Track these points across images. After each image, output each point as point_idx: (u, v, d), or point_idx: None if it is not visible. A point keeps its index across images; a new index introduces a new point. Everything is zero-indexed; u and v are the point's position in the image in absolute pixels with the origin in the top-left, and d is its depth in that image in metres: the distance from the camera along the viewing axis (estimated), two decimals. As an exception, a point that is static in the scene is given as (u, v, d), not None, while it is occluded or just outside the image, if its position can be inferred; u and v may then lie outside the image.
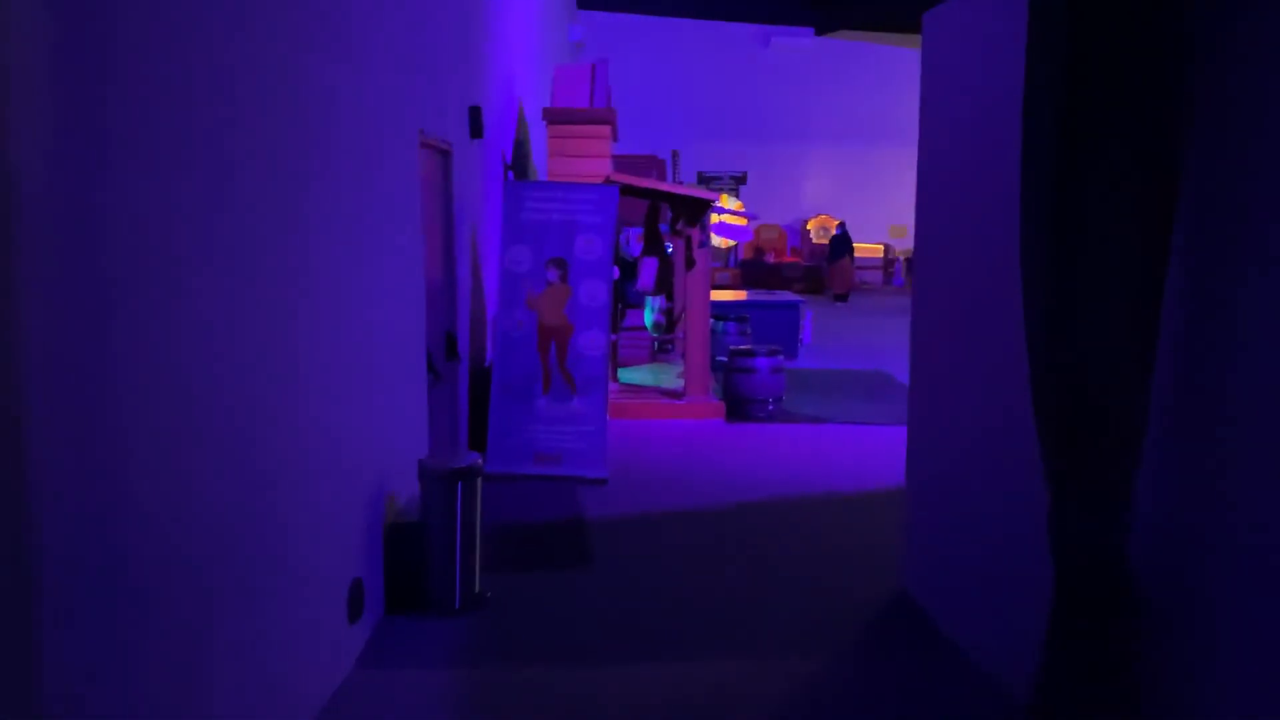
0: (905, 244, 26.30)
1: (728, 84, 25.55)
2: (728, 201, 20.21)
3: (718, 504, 6.93)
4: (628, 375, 11.03)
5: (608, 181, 8.13)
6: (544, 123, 9.35)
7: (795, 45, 26.13)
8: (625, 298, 11.35)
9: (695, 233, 9.39)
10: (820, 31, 26.31)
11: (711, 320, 10.57)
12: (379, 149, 4.77)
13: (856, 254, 24.38)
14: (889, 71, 26.74)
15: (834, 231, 15.98)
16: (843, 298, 21.02)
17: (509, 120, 10.06)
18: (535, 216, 7.64)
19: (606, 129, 9.29)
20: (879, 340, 15.97)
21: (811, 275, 23.92)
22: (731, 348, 9.77)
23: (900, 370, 12.65)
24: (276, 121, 3.39)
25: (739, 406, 9.49)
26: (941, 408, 4.89)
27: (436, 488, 4.81)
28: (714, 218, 9.18)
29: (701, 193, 8.92)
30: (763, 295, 13.72)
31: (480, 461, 4.98)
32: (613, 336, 10.10)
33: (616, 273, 10.08)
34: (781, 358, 9.61)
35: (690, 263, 9.48)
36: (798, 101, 26.14)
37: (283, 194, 3.45)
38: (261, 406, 3.29)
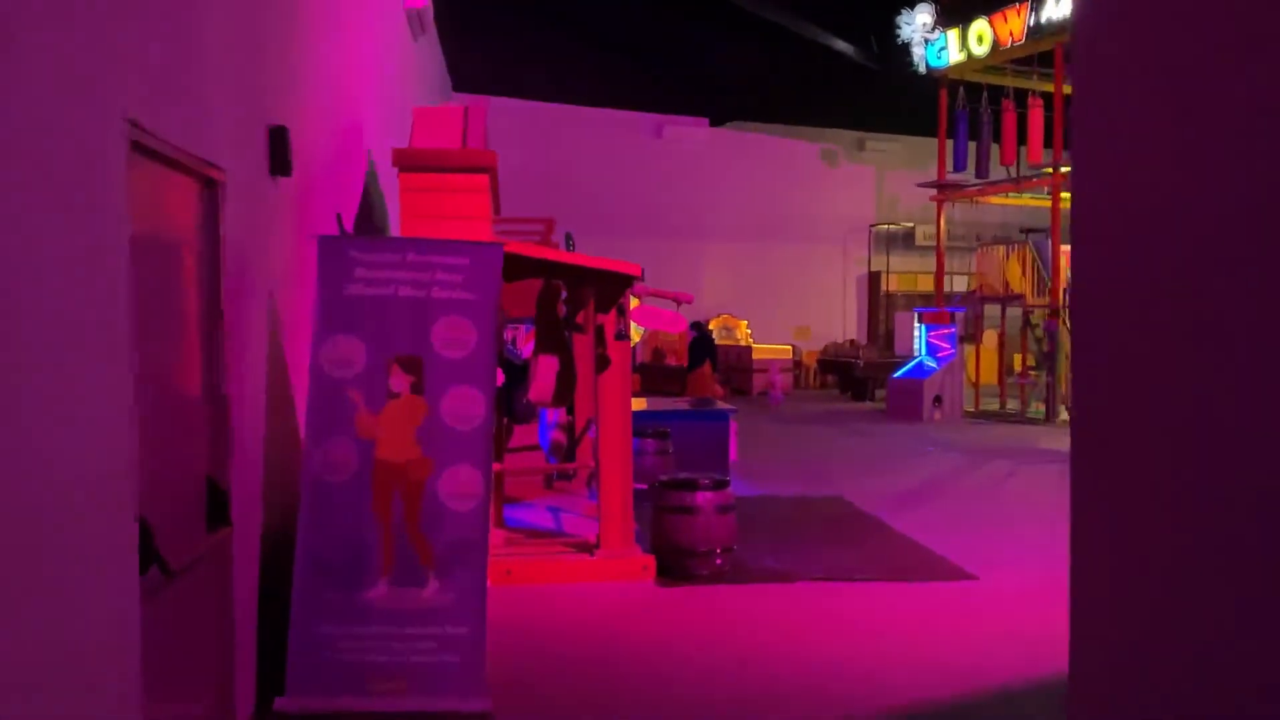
0: (812, 345, 24.37)
1: (619, 174, 23.51)
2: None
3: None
4: (518, 518, 8.19)
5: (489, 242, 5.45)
6: (395, 171, 6.66)
7: (690, 135, 24.39)
8: (513, 411, 8.57)
9: (610, 321, 6.79)
10: (716, 122, 24.70)
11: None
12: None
13: (762, 358, 22.26)
14: (788, 166, 25.24)
15: (690, 334, 13.75)
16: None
17: (351, 168, 7.36)
18: (372, 290, 4.88)
19: (484, 180, 6.66)
20: (812, 454, 13.56)
21: (718, 380, 21.58)
22: (662, 478, 7.07)
23: (857, 494, 10.20)
24: None
25: (675, 561, 6.77)
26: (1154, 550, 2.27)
27: None
28: (633, 301, 6.53)
29: (620, 265, 6.35)
30: (682, 404, 11.17)
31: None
32: (497, 467, 7.30)
33: (500, 377, 7.33)
34: (731, 490, 6.96)
35: (603, 362, 6.83)
36: (694, 195, 24.27)
37: None
38: None
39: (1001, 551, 7.81)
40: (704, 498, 6.71)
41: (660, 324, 6.79)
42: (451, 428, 4.82)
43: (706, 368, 14.17)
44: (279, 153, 5.03)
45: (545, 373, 6.96)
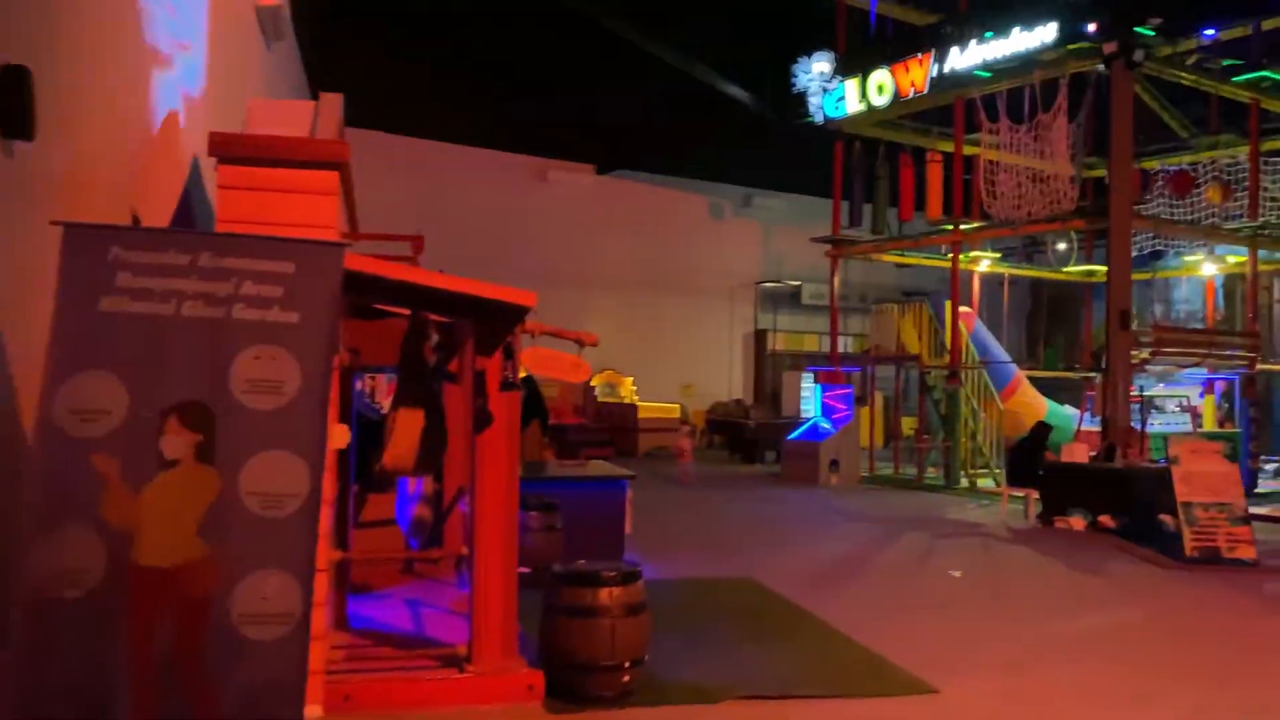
0: (698, 403, 23.24)
1: (500, 218, 22.06)
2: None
3: None
4: (365, 615, 6.51)
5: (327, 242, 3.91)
6: (214, 163, 5.04)
7: (575, 181, 23.20)
8: (370, 478, 6.93)
9: (494, 366, 5.30)
10: (603, 170, 23.61)
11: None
12: None
13: (647, 416, 20.97)
14: (676, 218, 24.33)
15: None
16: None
17: (162, 162, 5.71)
18: (141, 306, 3.29)
19: (332, 179, 5.11)
20: (711, 524, 12.25)
21: (600, 440, 20.16)
22: (555, 568, 5.55)
23: (768, 572, 8.88)
24: None
25: (572, 678, 5.24)
26: None
27: None
28: (528, 340, 5.05)
29: (509, 292, 4.88)
30: (570, 468, 9.69)
31: None
32: (340, 556, 5.65)
33: (349, 435, 5.73)
34: (642, 584, 5.49)
35: (482, 418, 5.32)
36: (579, 243, 23.02)
37: None
38: None
39: (950, 649, 6.57)
40: (609, 596, 5.23)
41: (559, 371, 5.33)
42: (256, 514, 3.24)
43: (535, 428, 12.49)
44: (14, 104, 3.41)
45: (406, 432, 5.39)
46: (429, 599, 7.03)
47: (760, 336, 25.16)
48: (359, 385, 8.37)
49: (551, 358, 5.47)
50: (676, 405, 21.91)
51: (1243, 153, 16.98)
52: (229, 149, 5.02)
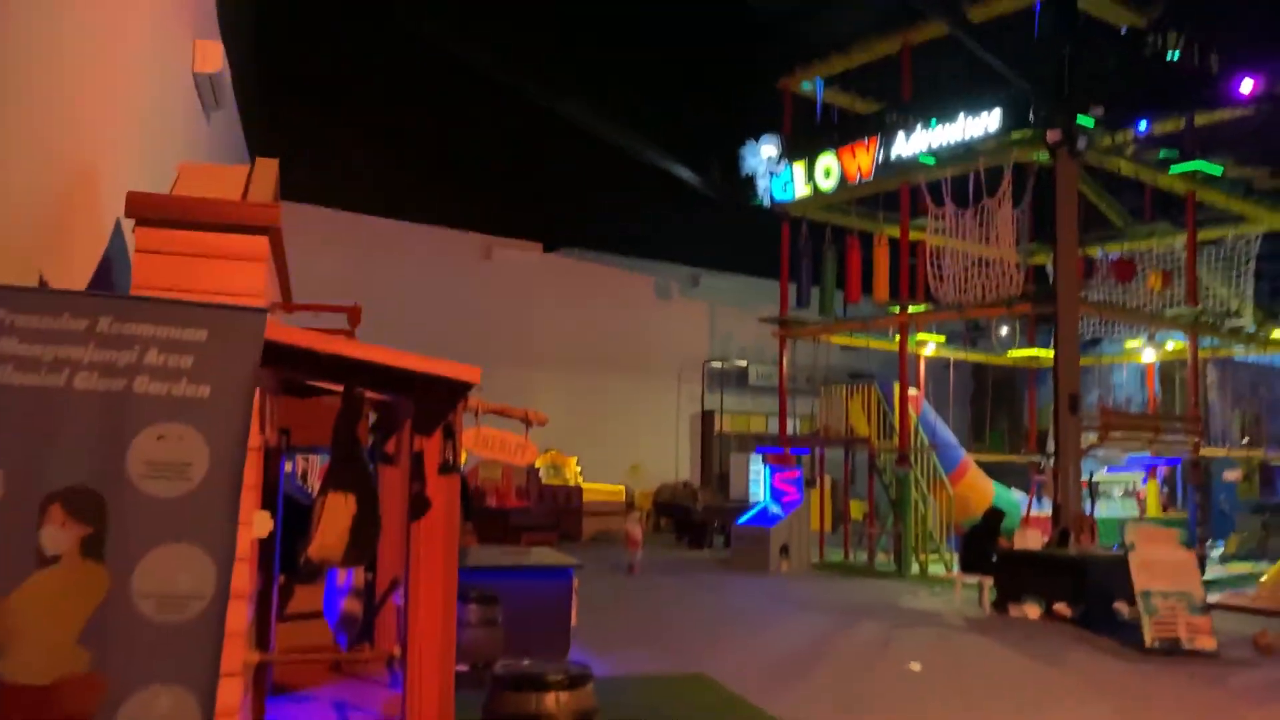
0: (644, 485, 22.77)
1: (445, 295, 21.69)
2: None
3: None
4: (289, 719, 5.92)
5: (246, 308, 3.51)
6: (132, 225, 4.65)
7: (521, 259, 22.99)
8: (297, 568, 6.42)
9: (433, 447, 4.90)
10: (549, 248, 23.47)
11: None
12: None
13: (593, 499, 20.46)
14: (623, 297, 24.20)
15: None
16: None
17: (78, 224, 5.30)
18: (25, 378, 2.86)
19: (261, 245, 4.75)
20: (660, 614, 11.77)
21: (545, 524, 19.58)
22: (496, 669, 5.08)
23: (722, 668, 8.43)
24: None
25: (512, 795, 4.73)
26: None
27: None
28: (473, 417, 4.67)
29: (452, 368, 4.51)
30: (512, 556, 9.18)
31: None
32: (263, 657, 5.12)
33: (271, 522, 5.26)
34: (591, 684, 5.04)
35: (420, 504, 4.90)
36: (525, 321, 22.71)
37: None
38: None
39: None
40: (556, 702, 4.77)
41: (504, 453, 4.95)
42: (151, 619, 2.79)
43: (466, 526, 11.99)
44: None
45: (335, 519, 4.93)
46: (358, 701, 6.46)
47: (707, 417, 24.91)
48: (289, 467, 7.88)
49: (496, 439, 5.08)
50: (622, 487, 21.44)
51: (1178, 242, 17.40)
52: (147, 210, 4.64)
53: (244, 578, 4.72)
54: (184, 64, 9.41)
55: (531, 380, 22.41)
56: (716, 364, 25.24)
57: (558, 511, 20.30)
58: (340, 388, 5.33)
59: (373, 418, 6.55)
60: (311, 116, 18.38)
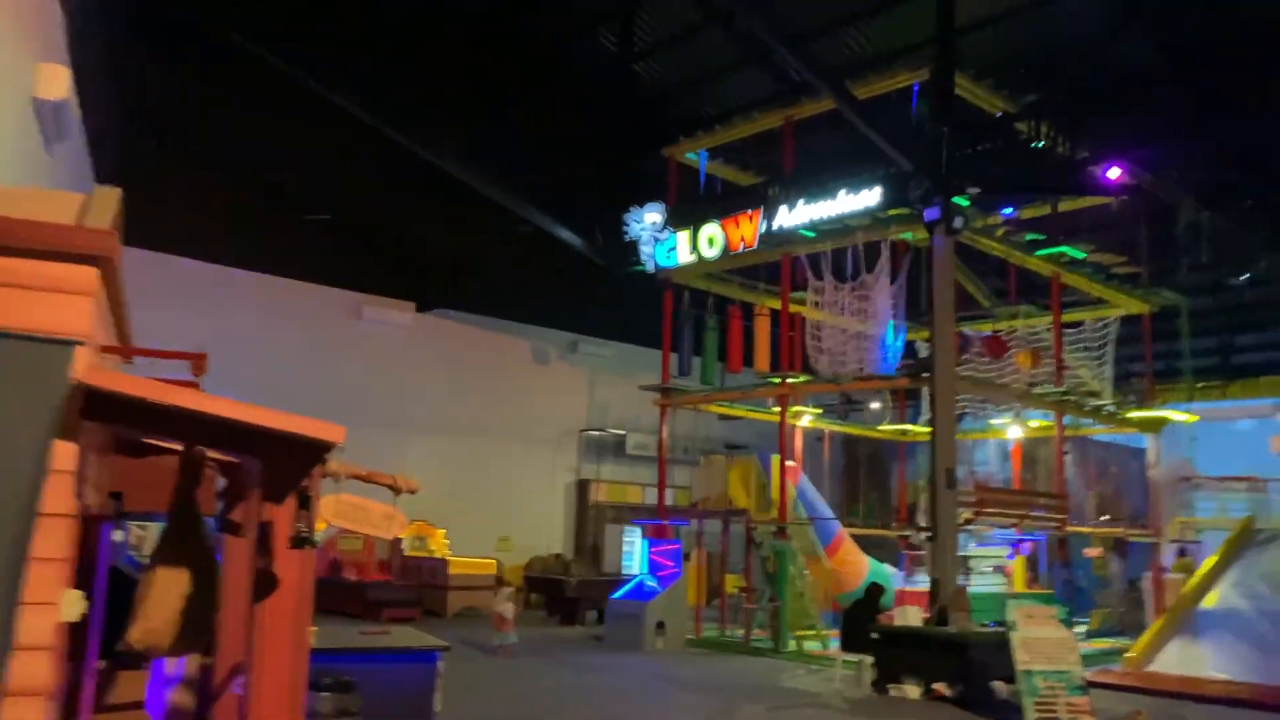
0: (515, 558, 21.89)
1: (312, 354, 20.61)
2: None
3: None
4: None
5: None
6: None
7: (393, 319, 22.13)
8: (116, 654, 5.53)
9: (284, 516, 4.24)
10: (423, 308, 22.70)
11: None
12: None
13: (460, 572, 19.47)
14: (499, 361, 23.55)
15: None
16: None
17: None
18: None
19: (90, 276, 4.06)
20: (531, 700, 11.02)
21: (408, 599, 18.55)
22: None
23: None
24: None
25: None
26: None
27: None
28: (335, 477, 4.05)
29: (310, 426, 3.89)
30: (372, 637, 8.36)
31: None
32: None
33: (84, 603, 4.45)
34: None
35: (266, 583, 4.22)
36: (396, 383, 21.76)
37: None
38: None
39: None
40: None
41: (366, 524, 4.34)
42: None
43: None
44: None
45: (164, 599, 4.20)
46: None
47: (583, 486, 24.31)
48: (121, 536, 6.98)
49: (357, 508, 4.47)
50: (492, 561, 20.53)
51: (1042, 323, 18.05)
52: (-54, 230, 3.90)
53: (44, 670, 3.93)
54: (23, 88, 8.55)
55: (401, 445, 21.41)
56: (594, 432, 24.76)
57: (422, 586, 19.26)
58: (181, 446, 4.64)
59: (221, 482, 5.80)
60: (170, 159, 17.32)
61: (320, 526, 4.68)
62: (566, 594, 18.68)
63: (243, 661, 5.18)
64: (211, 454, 4.66)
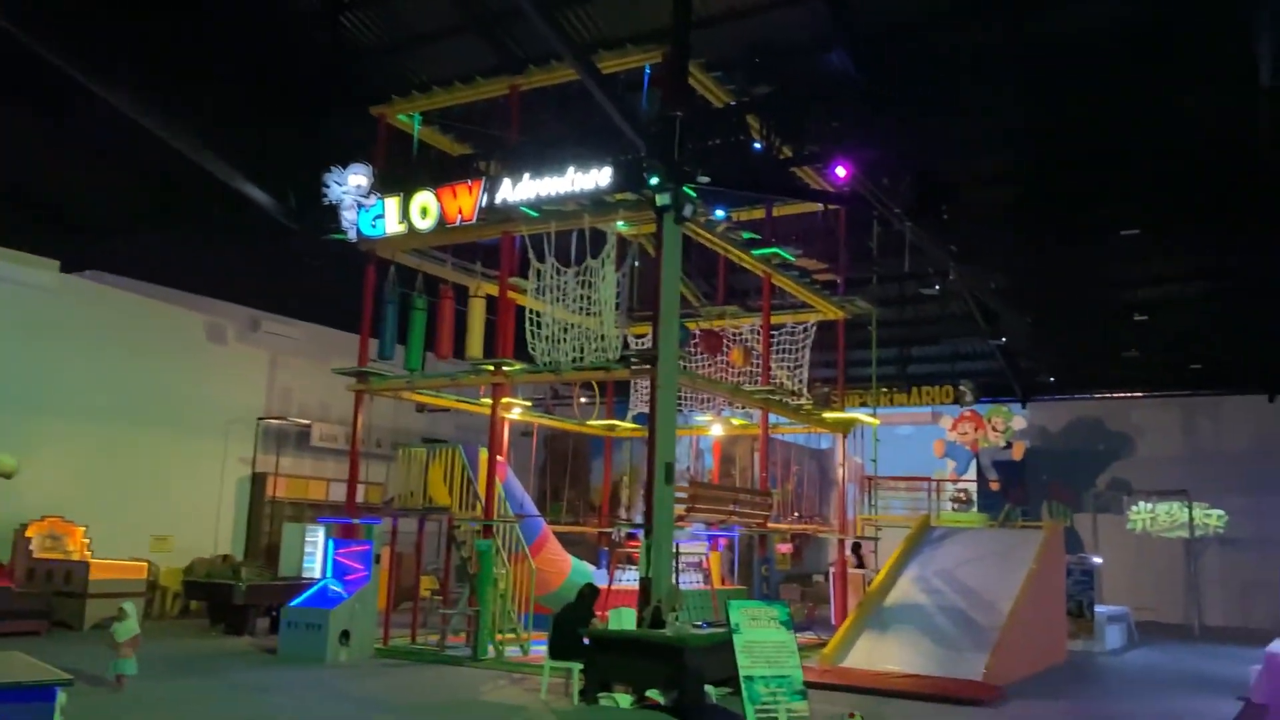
0: (174, 560, 19.10)
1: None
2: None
3: None
4: None
5: None
6: None
7: (29, 278, 18.53)
8: None
9: None
10: (69, 268, 19.22)
11: None
12: None
13: (103, 577, 16.59)
14: (165, 335, 20.49)
15: None
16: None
17: None
18: None
19: None
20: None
21: (33, 610, 15.51)
22: None
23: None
24: None
25: None
26: None
27: None
28: None
29: None
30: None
31: None
32: None
33: None
34: None
35: None
36: (29, 355, 18.25)
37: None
38: None
39: None
40: None
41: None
42: None
43: None
44: None
45: None
46: None
47: (259, 480, 21.75)
48: None
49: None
50: (144, 563, 17.70)
51: (746, 323, 18.32)
52: None
53: None
54: None
55: (35, 429, 17.98)
56: (273, 421, 22.28)
57: (53, 594, 16.20)
58: None
59: None
60: None
61: None
62: (234, 600, 16.40)
63: None
64: None
